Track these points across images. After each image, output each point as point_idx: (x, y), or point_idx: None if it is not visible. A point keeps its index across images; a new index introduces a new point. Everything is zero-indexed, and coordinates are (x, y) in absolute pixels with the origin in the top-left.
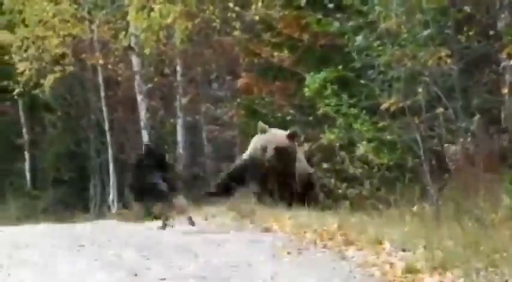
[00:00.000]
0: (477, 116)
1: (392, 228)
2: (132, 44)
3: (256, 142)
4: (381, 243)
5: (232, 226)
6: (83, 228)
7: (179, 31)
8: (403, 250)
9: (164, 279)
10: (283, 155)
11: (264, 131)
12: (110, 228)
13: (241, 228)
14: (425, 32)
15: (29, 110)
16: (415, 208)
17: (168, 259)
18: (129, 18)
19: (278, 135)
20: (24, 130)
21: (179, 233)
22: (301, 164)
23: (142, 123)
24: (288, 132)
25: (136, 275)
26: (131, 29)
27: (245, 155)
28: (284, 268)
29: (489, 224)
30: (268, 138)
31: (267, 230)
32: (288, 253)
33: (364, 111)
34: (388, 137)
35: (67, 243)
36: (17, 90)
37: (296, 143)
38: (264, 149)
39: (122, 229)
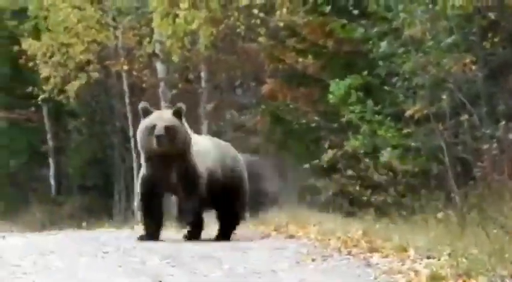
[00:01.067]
0: (502, 122)
1: (417, 235)
2: (157, 51)
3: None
4: (405, 250)
5: (256, 233)
6: (108, 235)
7: (204, 37)
8: (428, 257)
9: None
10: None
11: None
12: (134, 234)
13: (265, 235)
14: (450, 39)
15: (54, 116)
16: (440, 215)
17: (193, 266)
18: (153, 24)
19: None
20: (48, 136)
21: (205, 240)
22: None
23: None
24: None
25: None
26: (156, 36)
27: None
28: (309, 275)
29: None
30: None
31: (291, 236)
32: (313, 260)
33: (388, 118)
34: (413, 144)
35: (91, 250)
36: (41, 97)
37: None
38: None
39: None
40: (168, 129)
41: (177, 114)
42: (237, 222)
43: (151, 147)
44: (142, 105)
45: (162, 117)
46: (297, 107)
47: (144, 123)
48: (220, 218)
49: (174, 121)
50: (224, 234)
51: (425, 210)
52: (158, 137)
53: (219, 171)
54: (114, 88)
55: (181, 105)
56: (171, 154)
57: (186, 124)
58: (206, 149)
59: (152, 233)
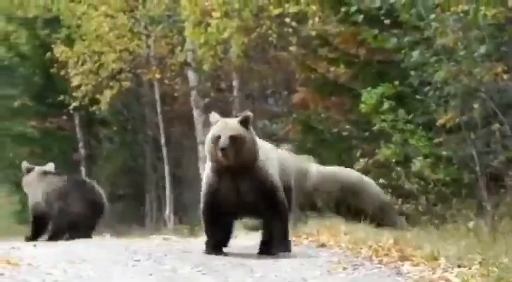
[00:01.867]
0: None
1: (448, 243)
2: (189, 59)
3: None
4: (436, 258)
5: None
6: (139, 243)
7: (236, 46)
8: (459, 266)
9: None
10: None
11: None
12: (165, 243)
13: (296, 243)
14: (482, 48)
15: (86, 124)
16: (471, 224)
17: (224, 274)
18: (185, 33)
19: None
20: (80, 145)
21: (234, 248)
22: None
23: (198, 139)
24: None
25: None
26: (188, 44)
27: None
28: None
29: None
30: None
31: (322, 245)
32: (344, 269)
33: (420, 127)
34: (444, 153)
35: (123, 258)
36: (73, 105)
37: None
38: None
39: (178, 244)
40: (233, 140)
41: (244, 123)
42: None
43: (217, 160)
44: (212, 116)
45: (227, 127)
46: (329, 116)
47: (210, 132)
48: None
49: (240, 131)
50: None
51: (456, 219)
52: (223, 149)
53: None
54: (146, 97)
55: (249, 114)
56: (239, 167)
57: (253, 132)
58: (271, 156)
59: (215, 246)
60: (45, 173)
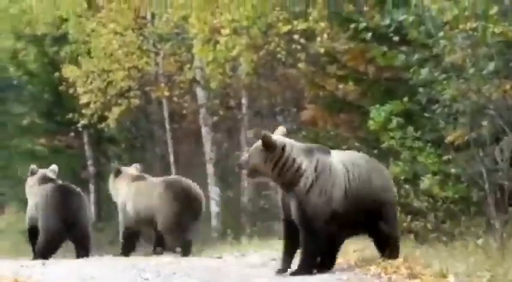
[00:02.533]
0: None
1: (457, 261)
2: (198, 77)
3: None
4: (445, 276)
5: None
6: (147, 261)
7: (245, 64)
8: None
9: None
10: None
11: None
12: (174, 260)
13: None
14: (490, 65)
15: (94, 142)
16: (479, 241)
17: None
18: (194, 51)
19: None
20: (89, 162)
21: (244, 266)
22: None
23: (207, 156)
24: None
25: None
26: (196, 62)
27: None
28: None
29: None
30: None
31: None
32: None
33: (429, 144)
34: (453, 170)
35: (131, 276)
36: (81, 123)
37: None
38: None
39: (186, 262)
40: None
41: (264, 145)
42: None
43: None
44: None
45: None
46: (338, 133)
47: None
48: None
49: (252, 152)
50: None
51: (465, 237)
52: (238, 165)
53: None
54: (155, 114)
55: (265, 135)
56: (281, 184)
57: (291, 151)
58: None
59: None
60: (44, 178)
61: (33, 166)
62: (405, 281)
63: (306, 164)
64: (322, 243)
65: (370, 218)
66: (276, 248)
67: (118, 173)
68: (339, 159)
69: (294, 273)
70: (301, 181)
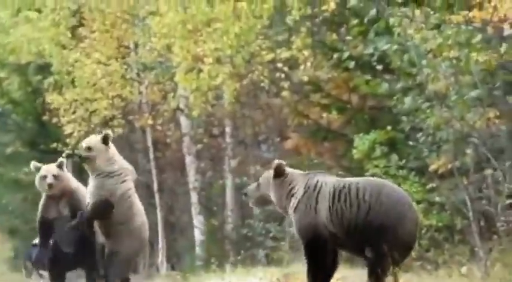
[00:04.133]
0: None
1: None
2: (181, 105)
3: None
4: None
5: None
6: None
7: (228, 92)
8: None
9: None
10: None
11: None
12: None
13: None
14: (474, 93)
15: (78, 171)
16: (464, 269)
17: None
18: (177, 79)
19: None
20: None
21: None
22: None
23: (191, 185)
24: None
25: None
26: (180, 91)
27: None
28: None
29: None
30: None
31: None
32: None
33: (412, 173)
34: (437, 199)
35: None
36: (66, 152)
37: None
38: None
39: None
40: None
41: (276, 173)
42: None
43: None
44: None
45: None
46: (322, 162)
47: None
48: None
49: (263, 180)
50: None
51: (449, 265)
52: (244, 194)
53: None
54: (138, 143)
55: (278, 164)
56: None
57: (292, 178)
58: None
59: None
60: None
61: (34, 163)
62: None
63: (298, 185)
64: (322, 260)
65: (359, 242)
66: (259, 276)
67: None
68: (334, 179)
69: None
70: (292, 200)
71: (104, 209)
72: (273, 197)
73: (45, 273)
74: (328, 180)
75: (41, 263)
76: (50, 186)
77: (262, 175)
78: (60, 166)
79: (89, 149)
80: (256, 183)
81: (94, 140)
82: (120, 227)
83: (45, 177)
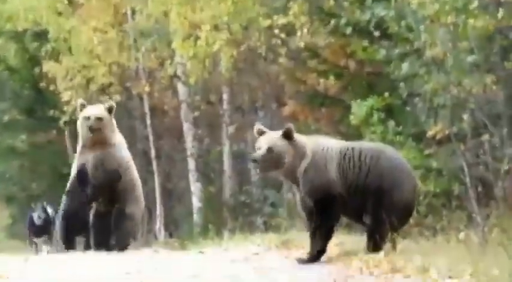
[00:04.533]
0: None
1: (439, 255)
2: (178, 73)
3: None
4: (427, 270)
5: (279, 253)
6: (129, 256)
7: (225, 59)
8: (450, 277)
9: None
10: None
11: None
12: (156, 256)
13: (286, 255)
14: (471, 58)
15: (75, 138)
16: (461, 235)
17: None
18: (173, 46)
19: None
20: (70, 158)
21: (227, 261)
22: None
23: (188, 152)
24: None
25: None
26: (177, 58)
27: None
28: None
29: None
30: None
31: None
32: (335, 280)
33: (410, 139)
34: (434, 164)
35: (113, 271)
36: (63, 119)
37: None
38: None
39: (169, 258)
40: (268, 152)
41: (286, 135)
42: None
43: None
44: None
45: (266, 139)
46: (319, 128)
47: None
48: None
49: (273, 141)
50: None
51: (446, 231)
52: (254, 160)
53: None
54: (136, 110)
55: (289, 126)
56: (284, 176)
57: (300, 141)
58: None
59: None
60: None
61: (81, 100)
62: (387, 276)
63: (307, 147)
64: (333, 217)
65: (359, 205)
66: (257, 242)
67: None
68: (339, 142)
69: (303, 261)
70: (302, 162)
71: (114, 179)
72: (287, 158)
73: (39, 240)
74: (334, 143)
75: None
76: (91, 129)
77: (264, 140)
78: (110, 110)
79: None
80: (264, 148)
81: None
82: (128, 194)
83: (88, 118)
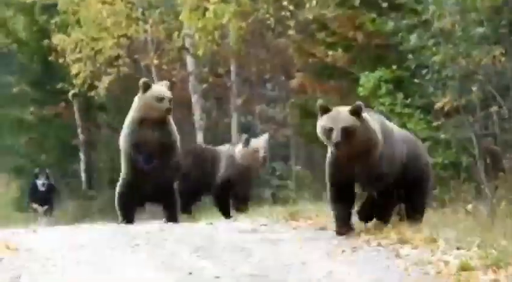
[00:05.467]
0: None
1: (447, 226)
2: (187, 45)
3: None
4: (435, 241)
5: (287, 224)
6: (138, 227)
7: (233, 31)
8: (458, 248)
9: (218, 277)
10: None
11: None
12: (165, 227)
13: (295, 226)
14: (480, 30)
15: (84, 110)
16: (469, 207)
17: (223, 259)
18: (181, 17)
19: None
20: (79, 131)
21: (234, 232)
22: None
23: (196, 124)
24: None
25: (190, 273)
26: (185, 29)
27: None
28: (338, 266)
29: None
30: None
31: (321, 228)
32: (343, 251)
33: (418, 111)
34: (443, 136)
35: (122, 242)
36: (72, 92)
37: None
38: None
39: (177, 228)
40: (345, 132)
41: (355, 113)
42: None
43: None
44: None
45: (338, 118)
46: (327, 100)
47: (321, 123)
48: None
49: (352, 122)
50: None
51: (455, 202)
52: (336, 144)
53: None
54: None
55: (360, 104)
56: (356, 156)
57: (369, 121)
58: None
59: (344, 224)
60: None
61: (144, 79)
62: (395, 246)
63: (376, 128)
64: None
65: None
66: (265, 215)
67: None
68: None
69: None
70: (375, 146)
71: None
72: (361, 137)
73: (40, 208)
74: (392, 125)
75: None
76: (168, 111)
77: (335, 119)
78: (170, 88)
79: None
80: (341, 129)
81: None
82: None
83: (162, 99)
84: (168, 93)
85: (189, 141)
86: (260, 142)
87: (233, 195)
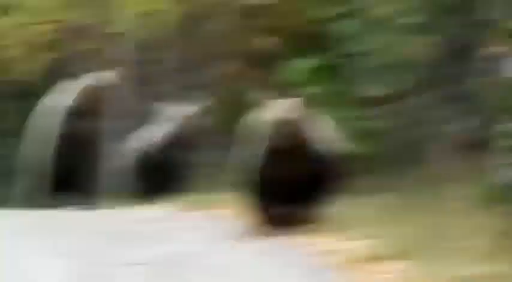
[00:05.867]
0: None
1: (356, 217)
2: (122, 30)
3: None
4: (343, 230)
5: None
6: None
7: (167, 17)
8: (366, 237)
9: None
10: None
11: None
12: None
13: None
14: (413, 19)
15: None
16: (380, 197)
17: (120, 246)
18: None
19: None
20: None
21: (138, 221)
22: None
23: None
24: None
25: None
26: (120, 15)
27: None
28: (238, 256)
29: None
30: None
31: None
32: (243, 241)
33: (348, 99)
34: (372, 126)
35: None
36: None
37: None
38: None
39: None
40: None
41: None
42: None
43: None
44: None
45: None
46: (258, 87)
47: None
48: None
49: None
50: None
51: (367, 193)
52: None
53: None
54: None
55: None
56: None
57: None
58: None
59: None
60: None
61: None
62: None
63: None
64: None
65: None
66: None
67: None
68: None
69: None
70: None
71: None
72: None
73: None
74: None
75: None
76: None
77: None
78: None
79: None
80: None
81: None
82: None
83: None
84: None
85: None
86: None
87: None
